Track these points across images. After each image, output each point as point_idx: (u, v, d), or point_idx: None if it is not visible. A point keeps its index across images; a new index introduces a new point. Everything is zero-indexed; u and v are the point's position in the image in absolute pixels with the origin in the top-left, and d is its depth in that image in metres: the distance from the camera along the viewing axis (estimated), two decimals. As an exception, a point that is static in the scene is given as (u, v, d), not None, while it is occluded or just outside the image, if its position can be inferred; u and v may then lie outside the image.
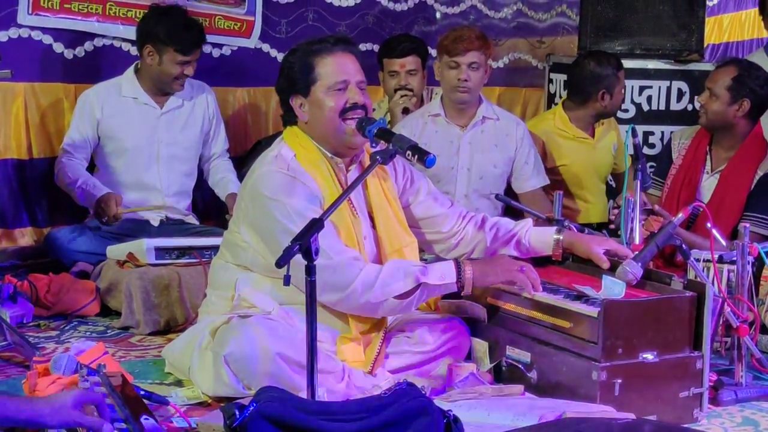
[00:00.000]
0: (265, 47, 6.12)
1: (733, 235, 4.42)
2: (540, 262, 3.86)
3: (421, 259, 3.86)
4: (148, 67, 5.11)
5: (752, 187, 4.66)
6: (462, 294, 3.57)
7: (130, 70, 5.20)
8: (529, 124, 5.48)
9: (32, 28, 5.29)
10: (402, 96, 5.53)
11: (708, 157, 4.81)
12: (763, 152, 4.74)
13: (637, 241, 3.90)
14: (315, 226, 2.94)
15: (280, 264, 2.86)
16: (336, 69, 3.59)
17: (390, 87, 5.60)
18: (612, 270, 3.61)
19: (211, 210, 5.65)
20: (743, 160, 4.71)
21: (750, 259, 3.65)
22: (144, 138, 5.16)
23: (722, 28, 8.72)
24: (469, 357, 3.71)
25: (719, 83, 4.68)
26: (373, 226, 3.68)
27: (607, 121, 5.65)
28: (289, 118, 3.70)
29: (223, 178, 5.39)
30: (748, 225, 3.71)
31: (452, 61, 4.90)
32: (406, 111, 5.52)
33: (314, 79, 3.59)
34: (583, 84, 5.52)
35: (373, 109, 4.47)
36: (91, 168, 5.22)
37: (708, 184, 4.77)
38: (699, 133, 4.88)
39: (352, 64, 3.63)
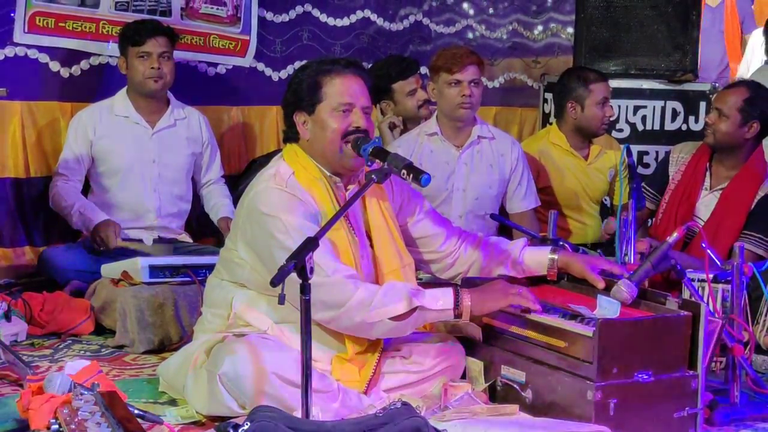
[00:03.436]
0: (260, 66, 6.15)
1: (730, 253, 4.45)
2: (535, 281, 3.86)
3: (417, 279, 3.85)
4: (128, 80, 5.17)
5: (752, 207, 4.67)
6: (460, 321, 3.55)
7: (123, 91, 5.23)
8: (523, 144, 5.50)
9: (28, 46, 5.31)
10: (426, 108, 5.64)
11: (708, 174, 4.82)
12: (765, 173, 4.75)
13: (631, 260, 3.90)
14: (310, 244, 2.94)
15: (274, 283, 2.86)
16: (343, 90, 3.58)
17: (411, 106, 5.67)
18: (607, 289, 3.61)
19: (205, 229, 5.66)
20: (745, 180, 4.72)
21: (745, 279, 3.65)
22: (136, 157, 5.18)
23: (718, 48, 8.76)
24: (464, 376, 3.70)
25: (729, 104, 4.68)
26: (371, 246, 3.67)
27: (604, 144, 5.65)
28: (291, 134, 3.67)
29: (216, 204, 5.40)
30: (743, 245, 3.72)
31: (454, 79, 4.91)
32: (393, 126, 5.57)
33: (320, 98, 3.58)
34: (557, 97, 5.61)
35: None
36: (86, 188, 5.23)
37: (706, 201, 4.79)
38: (699, 149, 4.89)
39: (359, 88, 3.62)
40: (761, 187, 4.69)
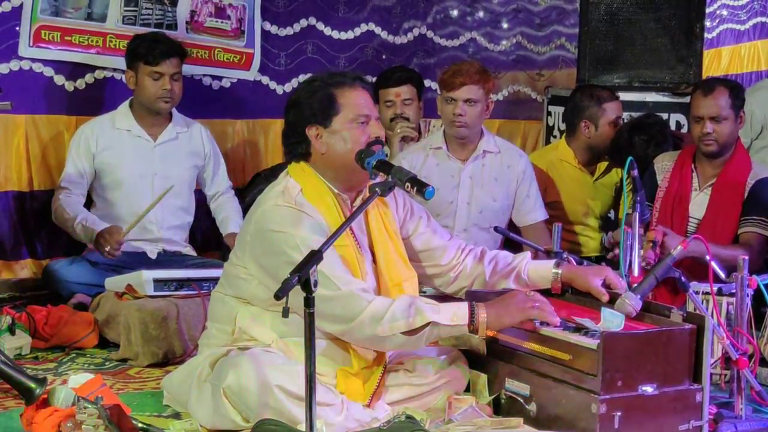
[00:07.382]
0: (264, 79, 6.16)
1: (735, 241, 4.68)
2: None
3: (420, 293, 3.84)
4: (135, 95, 5.18)
5: (745, 195, 4.72)
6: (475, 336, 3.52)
7: (125, 104, 5.24)
8: (532, 157, 5.50)
9: (33, 60, 5.32)
10: (397, 123, 5.57)
11: (694, 175, 4.87)
12: (750, 163, 4.85)
13: (636, 273, 3.90)
14: (314, 257, 2.94)
15: (279, 296, 2.86)
16: (359, 102, 3.60)
17: (386, 117, 5.64)
18: (611, 302, 3.61)
19: (209, 242, 5.66)
20: (733, 173, 4.80)
21: (749, 291, 3.65)
22: (138, 170, 5.18)
23: (721, 61, 8.78)
24: (468, 389, 3.70)
25: (722, 107, 4.72)
26: (374, 260, 3.67)
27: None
28: (299, 150, 3.63)
29: (225, 218, 5.40)
30: (746, 258, 3.70)
31: (449, 96, 4.90)
32: (404, 139, 5.55)
33: (337, 110, 3.57)
34: (569, 114, 5.65)
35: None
36: (88, 202, 5.23)
37: (698, 201, 4.84)
38: (681, 154, 4.95)
39: (370, 100, 3.67)
40: (749, 175, 4.77)
